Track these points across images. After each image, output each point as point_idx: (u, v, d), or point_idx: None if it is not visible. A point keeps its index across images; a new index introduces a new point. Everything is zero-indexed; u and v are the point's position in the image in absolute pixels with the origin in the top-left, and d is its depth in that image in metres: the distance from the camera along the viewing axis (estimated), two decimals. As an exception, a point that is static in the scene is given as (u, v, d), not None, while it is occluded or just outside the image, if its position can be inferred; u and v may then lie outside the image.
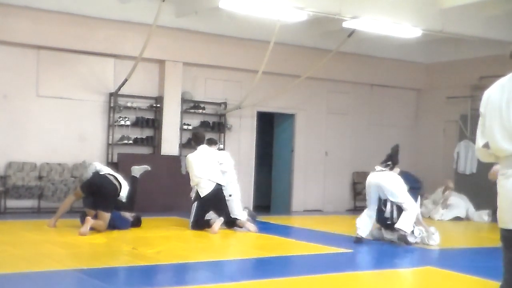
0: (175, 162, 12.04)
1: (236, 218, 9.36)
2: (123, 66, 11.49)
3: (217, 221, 9.00)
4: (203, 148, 9.48)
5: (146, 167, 9.51)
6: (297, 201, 13.82)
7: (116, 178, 8.76)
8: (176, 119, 12.28)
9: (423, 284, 6.17)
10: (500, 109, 2.98)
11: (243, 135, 13.25)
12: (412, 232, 8.21)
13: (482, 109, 3.09)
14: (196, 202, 9.21)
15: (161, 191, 11.69)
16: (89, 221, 8.04)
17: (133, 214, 9.10)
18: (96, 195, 8.50)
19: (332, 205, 14.10)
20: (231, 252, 8.06)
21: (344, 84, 14.47)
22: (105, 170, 8.96)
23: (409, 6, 10.98)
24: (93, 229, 8.13)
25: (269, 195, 14.24)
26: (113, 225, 8.52)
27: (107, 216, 8.37)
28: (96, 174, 8.78)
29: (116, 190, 8.63)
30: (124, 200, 8.80)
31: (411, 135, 15.30)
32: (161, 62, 12.23)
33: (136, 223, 9.08)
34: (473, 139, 13.77)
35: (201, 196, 9.15)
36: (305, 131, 14.01)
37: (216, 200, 9.22)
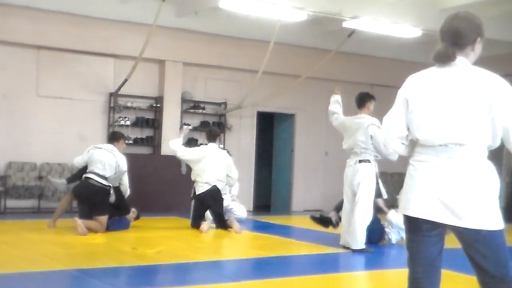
0: (175, 162, 12.00)
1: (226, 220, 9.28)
2: (123, 66, 11.49)
3: (205, 224, 8.95)
4: (211, 146, 9.40)
5: None
6: (297, 201, 13.82)
7: (99, 175, 8.41)
8: (176, 119, 12.29)
9: (423, 284, 6.16)
10: (435, 99, 2.97)
11: (243, 135, 13.25)
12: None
13: (407, 96, 3.08)
14: (193, 200, 9.25)
15: (161, 191, 11.69)
16: (78, 221, 7.97)
17: (133, 209, 9.09)
18: (86, 203, 8.42)
19: (332, 205, 14.07)
20: (231, 252, 8.06)
21: (344, 84, 14.43)
22: (91, 163, 8.50)
23: (409, 6, 10.98)
24: (90, 229, 8.11)
25: (269, 195, 14.25)
26: (111, 228, 8.50)
27: (103, 218, 8.33)
28: (80, 179, 8.55)
29: (103, 190, 8.43)
30: (113, 198, 8.67)
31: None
32: (161, 62, 12.24)
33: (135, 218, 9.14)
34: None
35: (197, 194, 9.19)
36: (305, 131, 14.01)
37: (212, 200, 9.15)
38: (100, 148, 8.70)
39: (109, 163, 8.47)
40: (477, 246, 2.92)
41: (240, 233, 8.90)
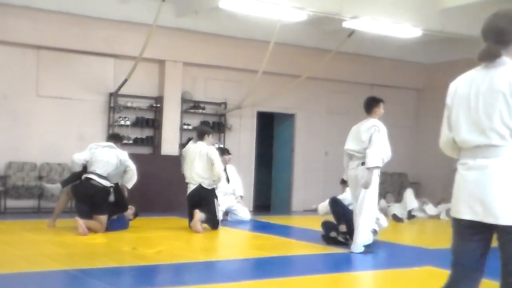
0: (175, 162, 12.00)
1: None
2: (123, 66, 11.49)
3: (196, 220, 8.78)
4: (198, 144, 9.28)
5: None
6: (297, 201, 13.82)
7: (100, 175, 8.38)
8: (176, 119, 12.29)
9: (423, 284, 6.16)
10: (468, 101, 3.04)
11: (243, 135, 13.25)
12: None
13: (448, 101, 3.16)
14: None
15: (161, 191, 11.68)
16: (79, 221, 7.97)
17: (131, 206, 9.06)
18: (86, 203, 8.38)
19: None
20: (231, 252, 8.05)
21: (344, 84, 14.47)
22: (92, 163, 8.46)
23: (409, 6, 10.98)
24: (90, 229, 8.10)
25: (269, 195, 14.25)
26: (111, 228, 8.51)
27: (103, 218, 8.32)
28: (81, 180, 8.50)
29: (104, 191, 8.42)
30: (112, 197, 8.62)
31: (411, 135, 15.30)
32: (161, 62, 12.24)
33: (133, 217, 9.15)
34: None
35: (187, 195, 9.17)
36: (305, 131, 14.01)
37: (198, 199, 9.03)
38: (103, 146, 8.71)
39: (110, 162, 8.51)
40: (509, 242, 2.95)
41: (199, 232, 8.65)
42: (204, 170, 9.08)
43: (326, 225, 8.20)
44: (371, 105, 7.57)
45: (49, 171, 11.12)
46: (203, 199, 9.06)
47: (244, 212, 10.77)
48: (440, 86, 17.66)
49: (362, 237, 7.34)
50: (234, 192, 10.76)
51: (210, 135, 9.46)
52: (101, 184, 8.40)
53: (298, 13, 10.16)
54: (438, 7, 10.97)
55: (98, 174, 8.41)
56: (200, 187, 9.06)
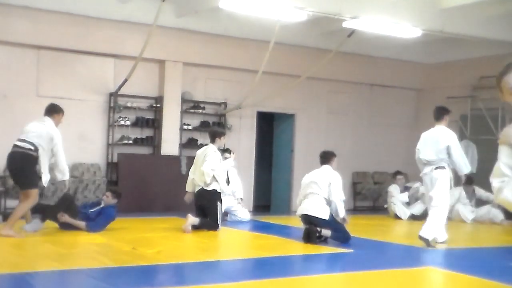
0: (175, 162, 12.04)
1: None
2: (123, 66, 11.50)
3: (188, 223, 8.72)
4: (207, 147, 9.26)
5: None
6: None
7: (26, 141, 8.00)
8: (176, 119, 12.29)
9: (423, 284, 6.17)
10: None
11: (243, 135, 13.25)
12: None
13: None
14: None
15: (161, 191, 11.69)
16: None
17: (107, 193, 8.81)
18: (13, 177, 8.00)
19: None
20: (231, 252, 8.06)
21: (344, 84, 14.47)
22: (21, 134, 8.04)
23: (409, 6, 10.98)
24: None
25: (269, 195, 14.26)
26: (98, 226, 8.36)
27: (32, 192, 7.95)
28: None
29: (24, 155, 7.93)
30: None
31: (411, 135, 15.26)
32: (161, 62, 12.24)
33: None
34: (473, 139, 13.82)
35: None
36: (305, 131, 14.02)
37: (202, 200, 9.04)
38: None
39: (39, 132, 8.16)
40: None
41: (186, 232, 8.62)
42: (205, 173, 9.02)
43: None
44: (441, 113, 8.44)
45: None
46: (207, 203, 9.02)
47: (243, 213, 10.77)
48: (440, 86, 17.74)
49: (433, 228, 7.96)
50: (233, 193, 10.76)
51: (222, 137, 9.37)
52: (24, 147, 7.95)
53: (298, 13, 10.16)
54: (438, 7, 10.96)
55: (23, 140, 8.05)
56: (202, 190, 9.05)
